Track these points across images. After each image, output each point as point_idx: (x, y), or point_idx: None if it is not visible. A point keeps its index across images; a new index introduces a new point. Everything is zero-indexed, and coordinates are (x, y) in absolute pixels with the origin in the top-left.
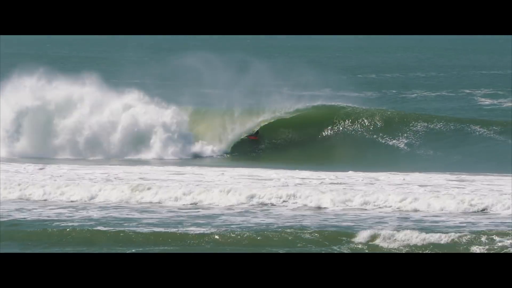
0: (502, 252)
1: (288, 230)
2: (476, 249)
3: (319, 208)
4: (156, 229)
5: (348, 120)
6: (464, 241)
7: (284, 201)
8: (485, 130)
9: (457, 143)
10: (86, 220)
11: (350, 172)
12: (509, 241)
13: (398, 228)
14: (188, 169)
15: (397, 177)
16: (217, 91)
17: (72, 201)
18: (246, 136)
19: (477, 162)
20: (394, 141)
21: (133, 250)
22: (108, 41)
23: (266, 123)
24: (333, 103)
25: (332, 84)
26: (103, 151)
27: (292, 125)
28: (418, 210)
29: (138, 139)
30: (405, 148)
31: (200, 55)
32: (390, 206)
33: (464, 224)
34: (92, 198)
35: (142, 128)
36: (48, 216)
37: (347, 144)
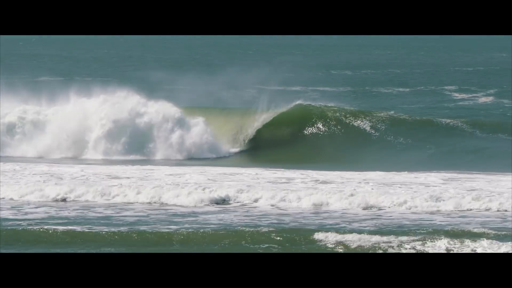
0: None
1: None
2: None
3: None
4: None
5: (320, 120)
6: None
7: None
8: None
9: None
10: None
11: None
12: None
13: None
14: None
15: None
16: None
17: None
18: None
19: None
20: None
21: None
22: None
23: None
24: (309, 103)
25: (307, 80)
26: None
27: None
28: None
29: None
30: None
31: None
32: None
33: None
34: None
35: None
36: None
37: (324, 144)
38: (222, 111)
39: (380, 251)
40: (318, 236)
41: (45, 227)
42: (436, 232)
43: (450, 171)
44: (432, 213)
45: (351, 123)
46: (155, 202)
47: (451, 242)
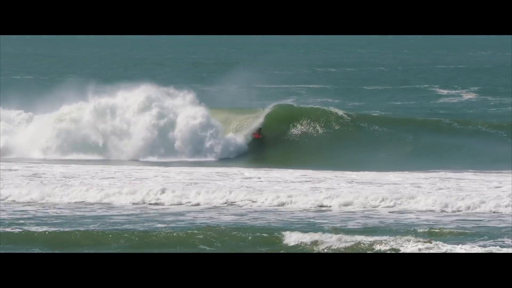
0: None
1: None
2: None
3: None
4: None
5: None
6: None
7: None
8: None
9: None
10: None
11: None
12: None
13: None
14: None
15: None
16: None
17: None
18: (252, 133)
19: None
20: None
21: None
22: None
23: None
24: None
25: (291, 78)
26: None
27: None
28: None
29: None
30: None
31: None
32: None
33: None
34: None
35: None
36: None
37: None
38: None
39: (360, 251)
40: (284, 235)
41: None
42: (388, 231)
43: (422, 171)
44: (397, 212)
45: (328, 123)
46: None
47: (398, 241)
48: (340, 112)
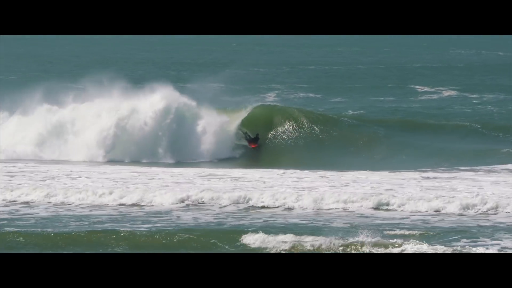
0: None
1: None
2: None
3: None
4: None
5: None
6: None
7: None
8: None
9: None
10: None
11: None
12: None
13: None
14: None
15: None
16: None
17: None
18: (247, 142)
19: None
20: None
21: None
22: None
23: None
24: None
25: (270, 77)
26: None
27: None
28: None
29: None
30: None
31: None
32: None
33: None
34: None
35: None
36: None
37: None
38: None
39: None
40: (245, 237)
41: None
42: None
43: (385, 171)
44: (357, 212)
45: (300, 124)
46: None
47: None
48: (316, 113)
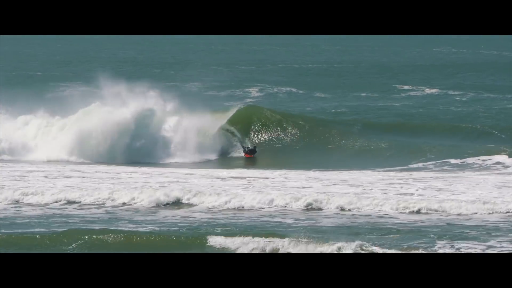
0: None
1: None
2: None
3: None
4: None
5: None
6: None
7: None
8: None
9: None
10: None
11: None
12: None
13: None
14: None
15: None
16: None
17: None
18: (243, 153)
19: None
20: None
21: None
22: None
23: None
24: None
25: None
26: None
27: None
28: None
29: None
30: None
31: None
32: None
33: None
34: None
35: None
36: None
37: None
38: None
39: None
40: (211, 239)
41: None
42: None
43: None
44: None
45: (275, 125)
46: None
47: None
48: (287, 113)
